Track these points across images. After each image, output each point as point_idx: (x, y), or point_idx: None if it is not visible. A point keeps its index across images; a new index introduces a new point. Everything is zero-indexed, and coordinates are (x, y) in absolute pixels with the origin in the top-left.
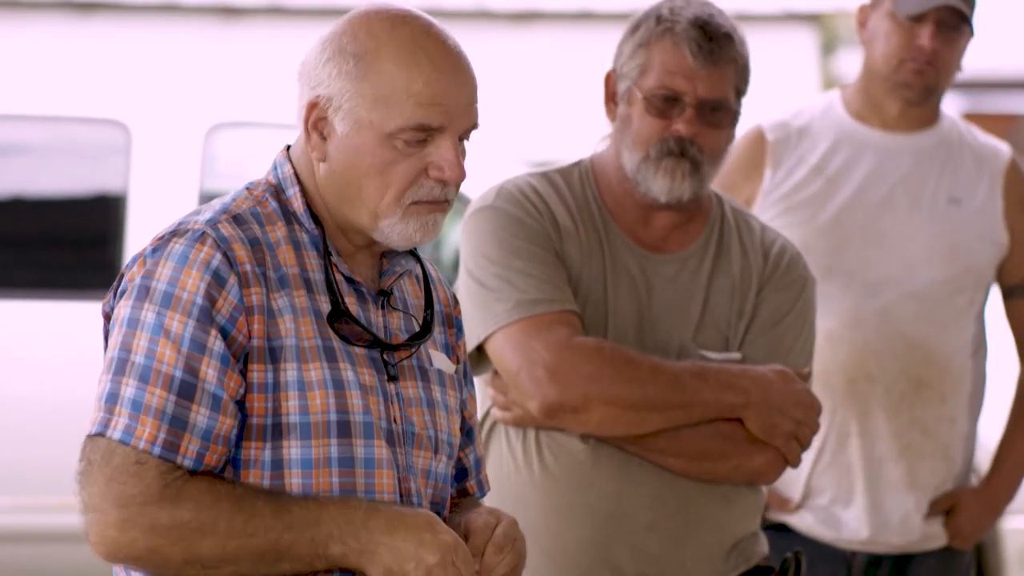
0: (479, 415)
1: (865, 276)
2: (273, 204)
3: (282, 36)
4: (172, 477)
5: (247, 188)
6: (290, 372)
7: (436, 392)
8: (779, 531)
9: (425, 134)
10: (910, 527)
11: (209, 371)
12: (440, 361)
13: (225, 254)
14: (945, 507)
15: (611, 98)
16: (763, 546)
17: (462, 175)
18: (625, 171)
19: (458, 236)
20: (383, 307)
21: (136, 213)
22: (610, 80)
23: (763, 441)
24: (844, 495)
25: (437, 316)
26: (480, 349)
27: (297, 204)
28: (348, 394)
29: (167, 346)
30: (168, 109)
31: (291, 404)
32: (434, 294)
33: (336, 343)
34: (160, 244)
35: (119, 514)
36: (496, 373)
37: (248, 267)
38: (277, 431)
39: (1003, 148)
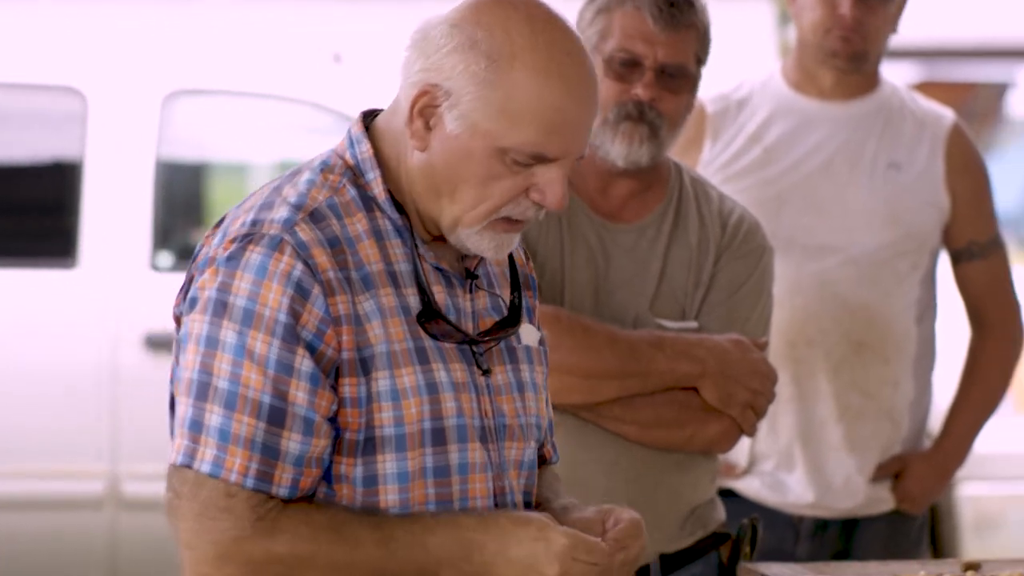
0: None
1: (805, 242)
2: (351, 192)
3: (240, 3)
4: (265, 509)
5: (322, 170)
6: (382, 382)
7: (525, 372)
8: (726, 497)
9: (536, 160)
10: (854, 490)
11: (299, 393)
12: (527, 335)
13: (306, 262)
14: (893, 471)
15: None
16: (720, 513)
17: (563, 206)
18: None
19: None
20: (471, 290)
21: (92, 181)
22: None
23: (719, 410)
24: (786, 459)
25: (496, 279)
26: None
27: (378, 190)
28: (442, 398)
29: (252, 369)
30: (124, 76)
31: (384, 416)
32: (517, 266)
33: (427, 341)
34: (234, 251)
35: (212, 551)
36: None
37: (331, 274)
38: (370, 446)
39: (946, 113)
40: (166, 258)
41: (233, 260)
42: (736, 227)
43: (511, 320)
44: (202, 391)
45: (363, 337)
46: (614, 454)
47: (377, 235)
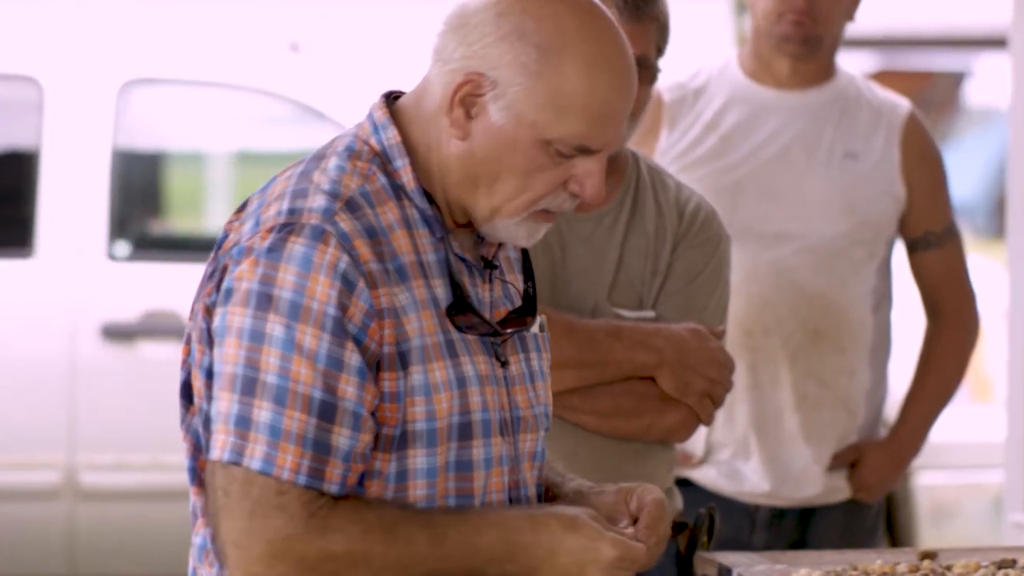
0: None
1: (761, 231)
2: (381, 179)
3: None
4: (317, 506)
5: (349, 156)
6: (416, 376)
7: (535, 361)
8: (683, 486)
9: (580, 151)
10: (811, 479)
11: (348, 388)
12: (535, 322)
13: (350, 254)
14: (848, 460)
15: None
16: (677, 502)
17: (601, 197)
18: None
19: None
20: (490, 280)
21: (48, 170)
22: None
23: (676, 399)
24: (743, 449)
25: (515, 264)
26: None
27: (407, 178)
28: (469, 392)
29: (302, 364)
30: (81, 65)
31: (417, 410)
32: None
33: (454, 334)
34: (275, 242)
35: (265, 549)
36: None
37: (372, 265)
38: (403, 440)
39: (902, 103)
40: (123, 247)
41: (275, 251)
42: (693, 216)
43: (527, 309)
44: (248, 386)
45: (401, 331)
46: (572, 444)
47: (407, 224)
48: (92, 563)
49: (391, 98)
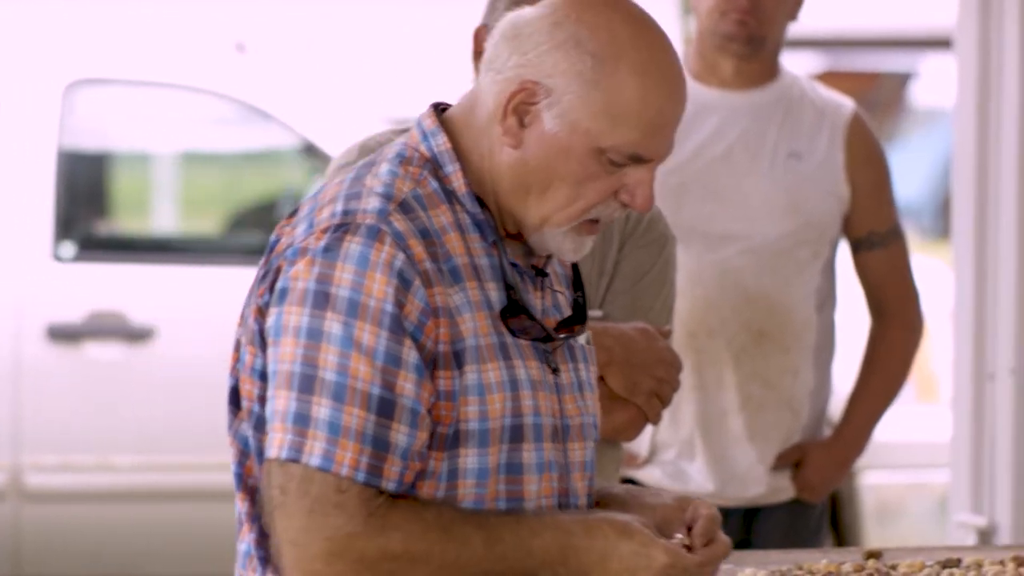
0: None
1: (705, 231)
2: (433, 184)
3: None
4: (376, 504)
5: (400, 162)
6: (470, 375)
7: (583, 371)
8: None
9: (633, 160)
10: (755, 480)
11: (406, 385)
12: (583, 335)
13: (406, 252)
14: (792, 460)
15: (480, 54)
16: None
17: (651, 207)
18: None
19: None
20: (541, 288)
21: None
22: (480, 36)
23: (624, 399)
24: (688, 449)
25: (563, 278)
26: None
27: (458, 183)
28: (522, 395)
29: (360, 360)
30: (26, 66)
31: (470, 410)
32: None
33: (507, 337)
34: (330, 242)
35: (324, 547)
36: None
37: (427, 265)
38: (455, 440)
39: (846, 103)
40: (68, 248)
41: (331, 251)
42: (638, 216)
43: (577, 318)
44: (307, 383)
45: (456, 330)
46: None
47: (459, 228)
48: (37, 564)
49: (439, 109)
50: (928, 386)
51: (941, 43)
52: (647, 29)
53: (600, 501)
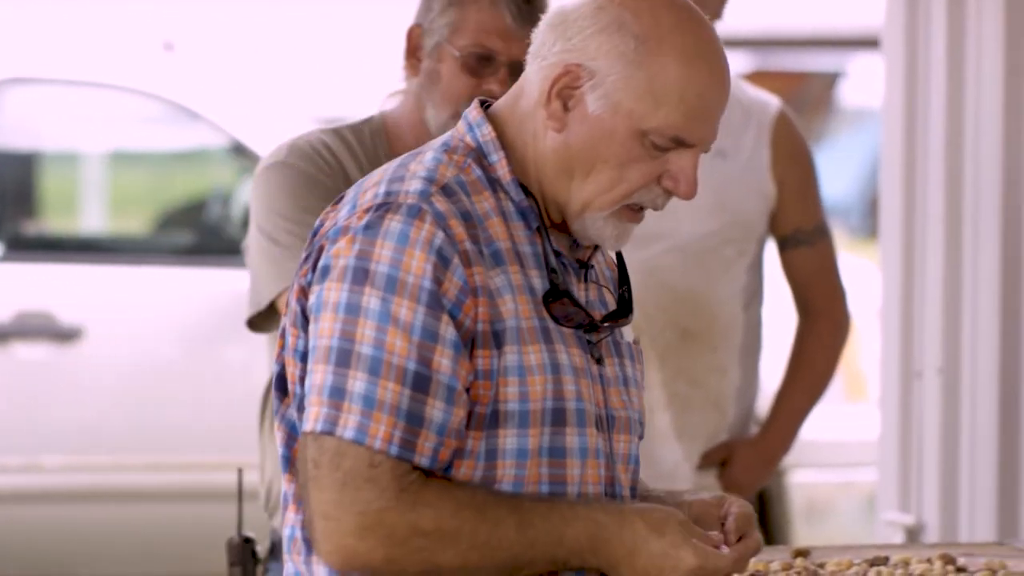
0: (268, 374)
1: None
2: (477, 171)
3: None
4: (408, 480)
5: (445, 151)
6: (511, 356)
7: (628, 368)
8: None
9: (676, 144)
10: (681, 478)
11: (443, 361)
12: (629, 333)
13: (446, 232)
14: (719, 458)
15: (413, 53)
16: None
17: (694, 194)
18: (429, 127)
19: (248, 192)
20: (585, 280)
21: None
22: (413, 35)
23: None
24: None
25: (609, 281)
26: (272, 306)
27: (503, 171)
28: (564, 379)
29: (397, 335)
30: None
31: (510, 391)
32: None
33: (550, 323)
34: (372, 220)
35: (357, 521)
36: None
37: (467, 245)
38: (494, 419)
39: (772, 101)
40: None
41: (372, 228)
42: None
43: (622, 312)
44: (343, 357)
45: (496, 311)
46: None
47: (503, 215)
48: None
49: (484, 105)
50: (856, 385)
51: (869, 43)
52: (690, 15)
53: (641, 497)
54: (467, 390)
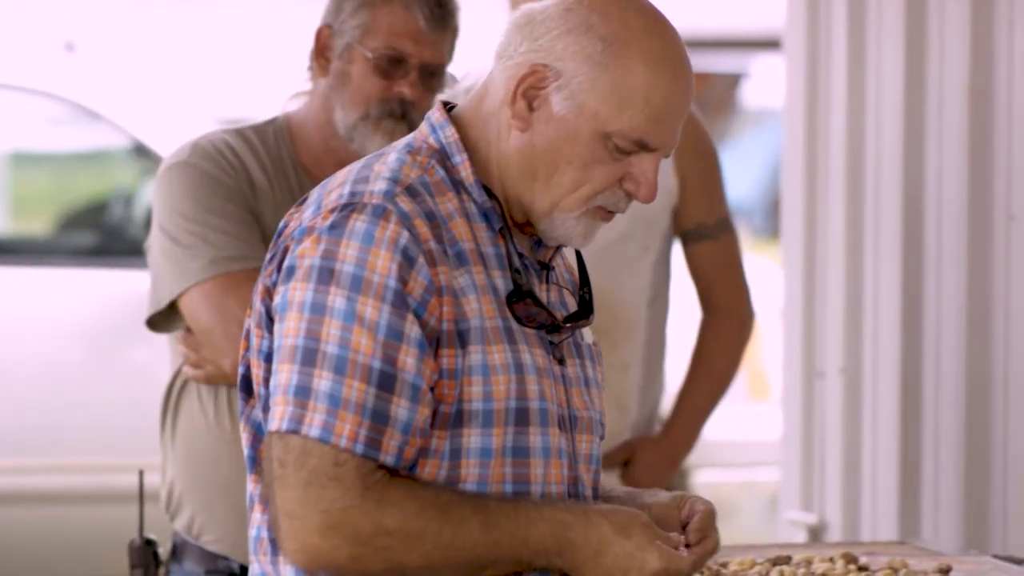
0: (171, 373)
1: None
2: (440, 172)
3: None
4: (373, 479)
5: (408, 152)
6: (475, 356)
7: (589, 369)
8: None
9: (639, 147)
10: None
11: (408, 359)
12: (589, 334)
13: (411, 231)
14: (622, 458)
15: (322, 54)
16: None
17: (653, 198)
18: (336, 128)
19: (151, 193)
20: (547, 281)
21: None
22: (322, 36)
23: None
24: None
25: (568, 281)
26: (172, 307)
27: (466, 173)
28: (527, 379)
29: (362, 334)
30: None
31: (474, 390)
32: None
33: (513, 323)
34: (337, 220)
35: (321, 519)
36: (188, 330)
37: (432, 245)
38: (458, 419)
39: None
40: None
41: (336, 228)
42: None
43: (583, 313)
44: (309, 357)
45: (460, 310)
46: None
47: (466, 216)
48: None
49: (447, 107)
50: (759, 385)
51: (771, 44)
52: (657, 20)
53: (603, 498)
54: (432, 389)
